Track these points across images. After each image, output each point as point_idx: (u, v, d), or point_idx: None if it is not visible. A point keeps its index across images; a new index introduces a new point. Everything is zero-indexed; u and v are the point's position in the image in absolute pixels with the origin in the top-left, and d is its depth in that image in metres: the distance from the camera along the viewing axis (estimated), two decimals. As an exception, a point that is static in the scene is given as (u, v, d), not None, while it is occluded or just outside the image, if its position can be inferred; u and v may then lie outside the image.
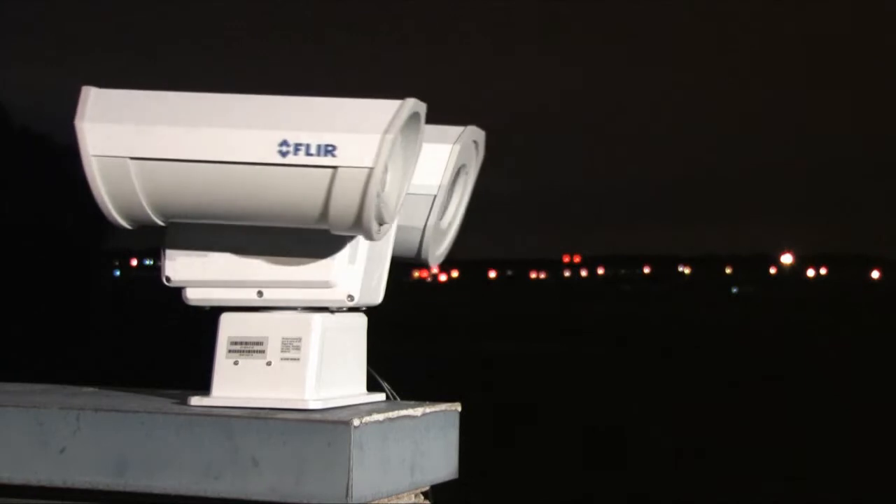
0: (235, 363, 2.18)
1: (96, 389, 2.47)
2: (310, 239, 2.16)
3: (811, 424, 17.79)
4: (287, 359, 2.16)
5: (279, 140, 2.02)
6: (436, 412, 2.22)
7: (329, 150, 2.01)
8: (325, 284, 2.18)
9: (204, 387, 2.19)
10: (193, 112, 2.06)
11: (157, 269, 2.22)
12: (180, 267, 2.20)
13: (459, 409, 2.28)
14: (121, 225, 2.13)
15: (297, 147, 2.01)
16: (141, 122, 2.05)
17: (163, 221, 2.15)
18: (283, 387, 2.15)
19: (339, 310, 2.22)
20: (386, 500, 2.09)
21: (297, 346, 2.16)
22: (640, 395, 21.84)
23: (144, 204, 2.09)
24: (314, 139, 2.01)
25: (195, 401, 2.17)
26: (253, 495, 2.04)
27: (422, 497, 2.19)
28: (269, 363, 2.17)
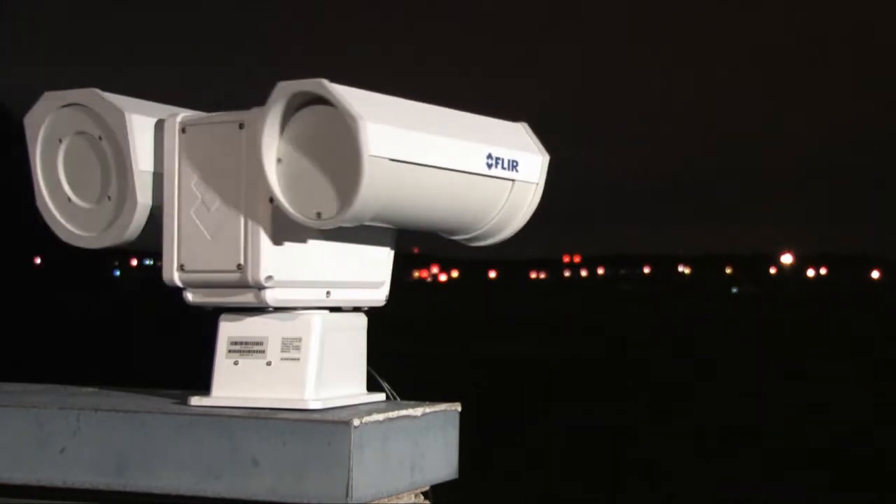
0: (235, 363, 2.18)
1: (96, 389, 2.47)
2: (369, 240, 2.25)
3: (810, 424, 17.79)
4: (287, 359, 2.16)
5: (486, 153, 2.20)
6: (436, 412, 2.22)
7: (514, 165, 2.25)
8: (380, 285, 2.30)
9: (204, 387, 2.19)
10: (433, 121, 2.15)
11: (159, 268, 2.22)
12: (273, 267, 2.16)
13: (459, 409, 2.28)
14: (344, 224, 2.05)
15: (497, 160, 2.22)
16: (404, 126, 2.06)
17: (366, 222, 2.10)
18: (283, 387, 2.15)
19: (341, 310, 2.24)
20: (386, 500, 2.09)
21: (297, 346, 2.16)
22: (640, 395, 21.84)
23: (380, 204, 2.05)
24: (506, 154, 2.24)
25: (195, 401, 2.17)
26: (253, 495, 2.04)
27: (422, 497, 2.19)
28: (269, 363, 2.17)
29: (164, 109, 2.27)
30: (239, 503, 2.06)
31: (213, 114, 2.18)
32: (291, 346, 2.17)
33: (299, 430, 2.03)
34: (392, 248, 2.33)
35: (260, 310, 2.19)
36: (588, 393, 22.14)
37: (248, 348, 2.18)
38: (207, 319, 2.25)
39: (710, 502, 12.16)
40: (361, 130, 1.96)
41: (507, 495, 12.25)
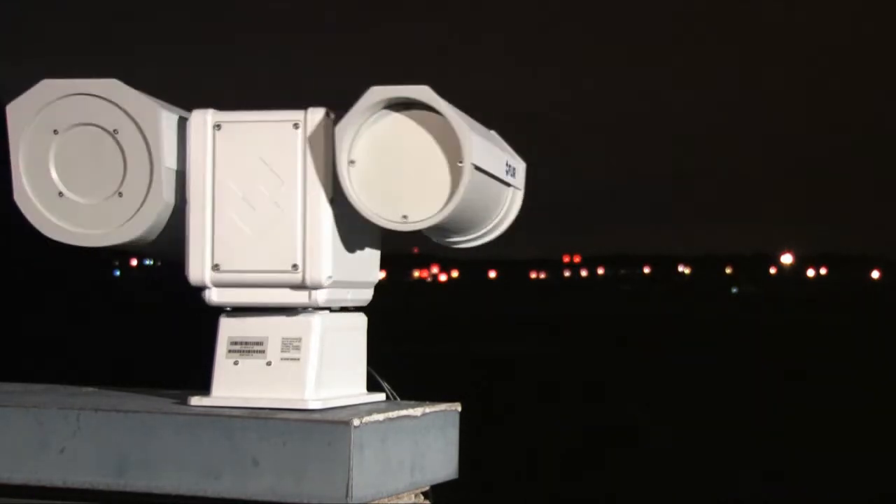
0: (235, 363, 2.18)
1: (96, 389, 2.47)
2: (366, 240, 2.24)
3: (814, 424, 17.79)
4: (287, 359, 2.16)
5: (506, 161, 2.30)
6: (436, 412, 2.22)
7: (514, 172, 2.34)
8: (372, 284, 2.31)
9: (204, 387, 2.19)
10: (480, 129, 2.23)
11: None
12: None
13: (459, 409, 2.28)
14: (429, 226, 2.12)
15: (510, 168, 2.32)
16: (482, 136, 2.18)
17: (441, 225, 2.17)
18: (283, 387, 2.15)
19: (345, 309, 2.24)
20: (386, 500, 2.09)
21: (297, 346, 2.16)
22: (640, 395, 21.84)
23: (461, 209, 2.13)
24: (512, 162, 2.33)
25: (195, 401, 2.17)
26: (253, 495, 2.04)
27: (422, 497, 2.19)
28: (269, 363, 2.17)
29: (169, 106, 2.25)
30: (239, 503, 2.06)
31: (255, 112, 2.17)
32: (291, 346, 2.17)
33: (299, 430, 2.03)
34: (380, 249, 2.34)
35: (260, 310, 2.19)
36: (588, 393, 22.13)
37: (248, 348, 2.18)
38: (207, 319, 2.25)
39: (710, 502, 12.15)
40: (468, 141, 2.07)
41: (507, 495, 12.25)
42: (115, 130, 2.16)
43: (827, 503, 12.26)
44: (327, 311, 2.20)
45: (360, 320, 2.28)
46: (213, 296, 2.18)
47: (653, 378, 25.30)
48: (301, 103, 2.17)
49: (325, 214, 2.13)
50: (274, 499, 2.03)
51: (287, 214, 2.13)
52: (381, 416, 2.08)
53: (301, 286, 2.14)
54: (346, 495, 1.99)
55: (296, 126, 2.14)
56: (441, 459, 2.23)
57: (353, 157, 2.10)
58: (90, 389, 2.47)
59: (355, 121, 2.09)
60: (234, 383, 2.17)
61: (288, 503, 2.02)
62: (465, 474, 2.27)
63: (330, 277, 2.14)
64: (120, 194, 2.18)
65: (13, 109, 2.20)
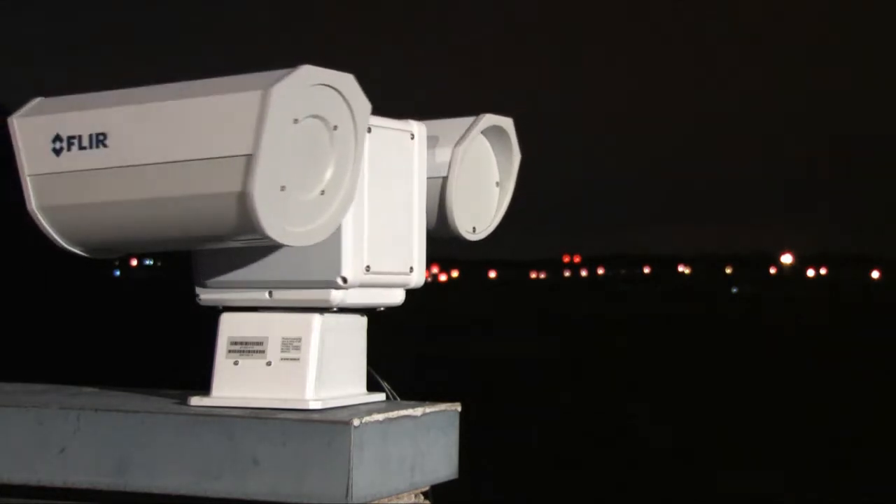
0: (235, 363, 2.18)
1: (96, 389, 2.47)
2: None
3: (814, 424, 17.79)
4: (287, 359, 2.16)
5: None
6: (436, 412, 2.22)
7: None
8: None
9: (204, 387, 2.19)
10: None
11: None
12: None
13: (459, 409, 2.28)
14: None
15: None
16: None
17: None
18: (283, 387, 2.15)
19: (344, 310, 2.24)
20: (386, 500, 2.09)
21: (297, 346, 2.16)
22: (640, 394, 21.84)
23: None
24: None
25: (195, 401, 2.17)
26: (253, 495, 2.04)
27: (422, 497, 2.19)
28: (269, 363, 2.17)
29: None
30: (239, 503, 2.06)
31: (382, 118, 2.22)
32: (291, 346, 2.17)
33: (299, 430, 2.03)
34: None
35: (260, 309, 2.20)
36: (588, 393, 22.13)
37: (248, 348, 2.19)
38: (207, 319, 2.25)
39: (710, 502, 12.16)
40: (515, 167, 2.47)
41: (507, 495, 12.25)
42: (335, 126, 2.07)
43: (827, 503, 12.26)
44: (327, 311, 2.20)
45: (360, 320, 2.28)
46: (353, 297, 2.19)
47: (653, 378, 25.29)
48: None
49: (423, 221, 2.29)
50: (274, 499, 2.03)
51: (407, 220, 2.25)
52: (381, 416, 2.08)
53: (407, 287, 2.28)
54: (346, 495, 1.99)
55: (412, 137, 2.26)
56: (441, 459, 2.23)
57: (446, 173, 2.34)
58: (90, 389, 2.47)
59: (469, 142, 2.35)
60: (234, 383, 2.18)
61: (288, 503, 2.02)
62: (465, 474, 2.27)
63: (422, 279, 2.29)
64: (322, 192, 2.09)
65: (278, 95, 1.97)
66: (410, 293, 2.30)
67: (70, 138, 2.14)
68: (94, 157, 2.12)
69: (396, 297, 2.28)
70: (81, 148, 2.12)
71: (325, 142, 2.07)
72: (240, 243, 2.11)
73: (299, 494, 2.02)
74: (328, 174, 2.08)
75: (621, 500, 12.27)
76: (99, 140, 2.11)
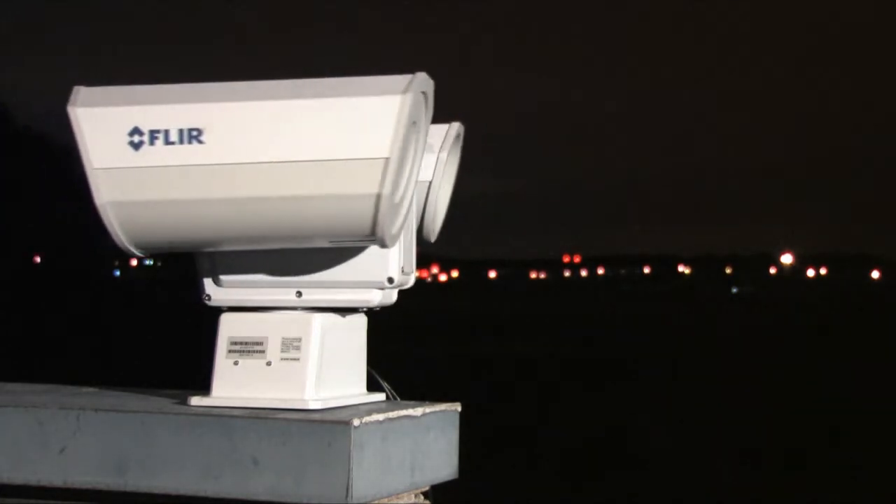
0: (235, 363, 2.18)
1: (96, 389, 2.47)
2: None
3: (814, 423, 17.79)
4: (287, 359, 2.16)
5: None
6: (436, 412, 2.22)
7: None
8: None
9: (204, 387, 2.19)
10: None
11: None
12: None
13: (459, 409, 2.28)
14: None
15: None
16: None
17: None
18: (283, 387, 2.15)
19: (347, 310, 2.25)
20: (386, 500, 2.09)
21: (297, 346, 2.16)
22: (640, 394, 21.84)
23: None
24: None
25: (195, 401, 2.17)
26: (253, 495, 2.04)
27: (422, 497, 2.19)
28: (269, 363, 2.17)
29: None
30: (239, 503, 2.06)
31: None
32: (291, 346, 2.17)
33: (299, 430, 2.03)
34: None
35: (260, 309, 2.20)
36: (588, 393, 22.13)
37: (248, 348, 2.18)
38: (207, 319, 2.25)
39: (710, 502, 12.15)
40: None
41: (507, 495, 12.25)
42: (413, 122, 2.06)
43: (828, 502, 12.26)
44: (327, 312, 2.20)
45: (360, 320, 2.28)
46: (388, 297, 2.23)
47: (653, 378, 25.30)
48: None
49: (414, 224, 2.27)
50: (274, 499, 2.03)
51: (411, 223, 2.25)
52: (381, 416, 2.08)
53: (404, 287, 2.27)
54: (346, 495, 1.99)
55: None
56: (441, 459, 2.23)
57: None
58: (90, 389, 2.47)
59: (449, 148, 2.34)
60: (234, 383, 2.17)
61: (288, 503, 2.02)
62: (465, 474, 2.27)
63: None
64: (402, 193, 2.11)
65: (409, 98, 2.00)
66: (407, 293, 2.30)
67: (153, 132, 2.04)
68: (186, 153, 2.04)
69: (393, 297, 2.29)
70: (169, 143, 2.04)
71: (410, 141, 2.08)
72: (348, 243, 2.11)
73: (299, 494, 2.02)
74: (406, 175, 2.11)
75: (621, 500, 12.27)
76: (192, 136, 2.03)
